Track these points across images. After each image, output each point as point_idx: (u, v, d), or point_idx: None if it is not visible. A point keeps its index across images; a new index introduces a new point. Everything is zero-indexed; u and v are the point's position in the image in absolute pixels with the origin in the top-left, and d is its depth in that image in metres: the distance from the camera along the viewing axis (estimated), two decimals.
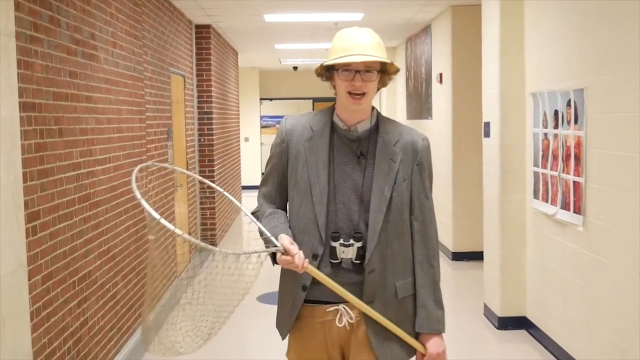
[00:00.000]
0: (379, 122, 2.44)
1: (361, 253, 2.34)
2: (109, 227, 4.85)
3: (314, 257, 2.36)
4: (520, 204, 5.51)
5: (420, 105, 10.18)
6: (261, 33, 10.22)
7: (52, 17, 3.87)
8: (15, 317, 3.10)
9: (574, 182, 4.48)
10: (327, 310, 2.38)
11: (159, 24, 6.85)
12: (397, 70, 2.39)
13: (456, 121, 8.02)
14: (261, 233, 2.36)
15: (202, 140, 9.29)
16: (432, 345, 2.40)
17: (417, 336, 2.42)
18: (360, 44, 2.31)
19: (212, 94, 9.38)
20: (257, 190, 2.61)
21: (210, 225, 9.43)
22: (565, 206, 4.64)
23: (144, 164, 2.55)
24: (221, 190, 2.58)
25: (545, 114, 4.97)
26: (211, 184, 2.62)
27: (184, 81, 8.26)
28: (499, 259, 5.63)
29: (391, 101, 13.05)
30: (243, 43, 11.62)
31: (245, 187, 14.45)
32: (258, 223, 2.39)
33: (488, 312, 5.93)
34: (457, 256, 8.20)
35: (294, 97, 18.39)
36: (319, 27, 9.56)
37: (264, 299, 6.68)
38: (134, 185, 2.31)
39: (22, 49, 3.42)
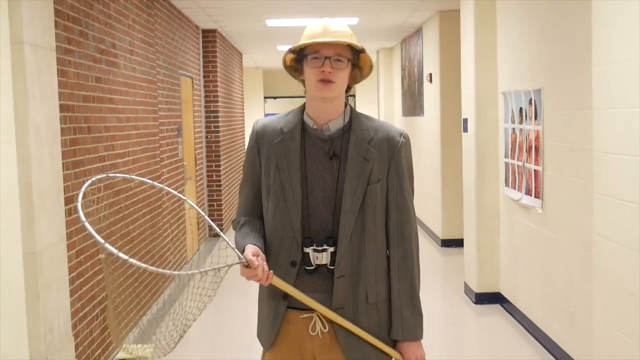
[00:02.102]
0: (353, 119, 2.30)
1: (334, 258, 2.25)
2: (128, 212, 5.51)
3: (292, 265, 2.26)
4: (494, 191, 6.16)
5: (413, 102, 10.83)
6: (264, 36, 10.88)
7: (81, 31, 4.53)
8: (58, 281, 3.78)
9: (535, 170, 5.13)
10: (301, 317, 2.28)
11: (169, 31, 7.51)
12: (371, 67, 2.30)
13: (444, 118, 8.66)
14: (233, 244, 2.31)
15: (209, 137, 9.96)
16: (410, 352, 2.31)
17: (394, 343, 2.33)
18: (331, 31, 2.22)
19: (218, 93, 10.04)
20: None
21: (217, 216, 10.09)
22: (528, 192, 5.28)
23: (96, 177, 2.41)
24: (190, 202, 2.50)
25: (512, 111, 5.62)
26: (180, 195, 2.50)
27: (192, 82, 8.93)
28: (476, 242, 6.29)
29: (389, 99, 13.70)
30: (247, 45, 12.29)
31: None
32: (222, 234, 2.32)
33: (467, 290, 6.59)
34: (446, 243, 8.85)
35: (296, 95, 19.02)
36: None
37: None
38: (79, 205, 2.20)
39: (59, 60, 4.08)
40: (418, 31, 10.18)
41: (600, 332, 3.64)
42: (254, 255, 2.15)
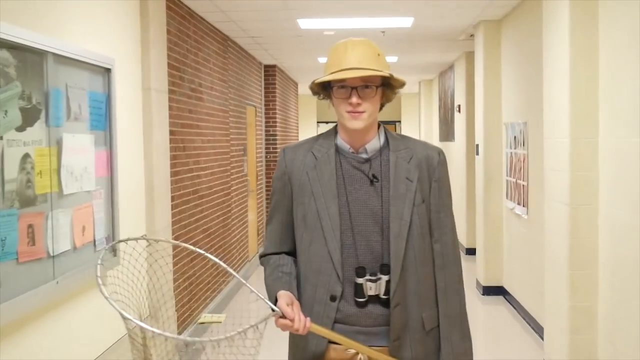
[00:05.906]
0: (389, 139, 2.22)
1: (388, 287, 2.11)
2: (207, 213, 7.13)
3: (332, 299, 2.13)
4: (498, 203, 7.60)
5: (447, 129, 12.30)
6: (317, 70, 12.49)
7: (180, 76, 6.18)
8: (166, 256, 5.38)
9: (523, 185, 6.57)
10: (346, 351, 2.14)
11: (238, 68, 9.17)
12: (403, 84, 2.16)
13: (469, 143, 10.11)
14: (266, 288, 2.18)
15: (269, 156, 11.60)
16: None
17: None
18: (356, 57, 2.09)
19: (277, 119, 11.69)
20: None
21: None
22: (519, 202, 6.72)
23: (112, 243, 2.16)
24: (213, 258, 2.28)
25: (510, 139, 7.07)
26: (204, 252, 2.33)
27: (255, 110, 10.58)
28: (483, 244, 7.73)
29: (428, 125, 15.20)
30: (302, 76, 13.96)
31: None
32: (250, 286, 2.15)
33: (477, 284, 8.01)
34: (469, 251, 10.26)
35: None
36: None
37: None
38: (98, 280, 2.07)
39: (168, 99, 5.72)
40: (451, 67, 11.67)
41: (548, 297, 5.07)
42: (288, 305, 2.04)
